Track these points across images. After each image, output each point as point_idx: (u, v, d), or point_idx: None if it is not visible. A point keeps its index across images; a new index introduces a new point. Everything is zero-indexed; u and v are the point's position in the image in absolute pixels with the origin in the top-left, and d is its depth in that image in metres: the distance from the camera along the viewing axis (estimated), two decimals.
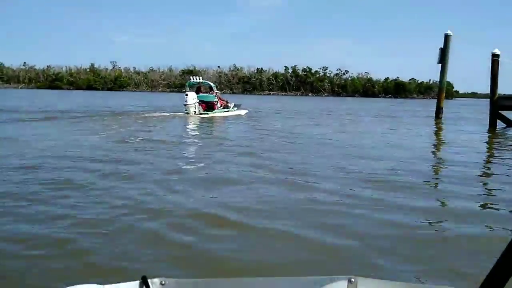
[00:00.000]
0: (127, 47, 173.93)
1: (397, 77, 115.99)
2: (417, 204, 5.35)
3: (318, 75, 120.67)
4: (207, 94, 22.23)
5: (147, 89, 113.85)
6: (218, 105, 22.32)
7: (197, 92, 21.84)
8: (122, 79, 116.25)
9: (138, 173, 6.96)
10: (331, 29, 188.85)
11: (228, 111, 22.59)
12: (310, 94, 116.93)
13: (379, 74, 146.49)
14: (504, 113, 17.94)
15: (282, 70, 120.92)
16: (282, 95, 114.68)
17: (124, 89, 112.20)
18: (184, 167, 7.83)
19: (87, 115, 19.58)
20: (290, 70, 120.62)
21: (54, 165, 7.35)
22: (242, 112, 23.09)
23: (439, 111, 22.60)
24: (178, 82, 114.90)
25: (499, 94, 18.03)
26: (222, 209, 4.96)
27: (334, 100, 72.35)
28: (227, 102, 23.01)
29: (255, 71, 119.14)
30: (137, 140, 11.45)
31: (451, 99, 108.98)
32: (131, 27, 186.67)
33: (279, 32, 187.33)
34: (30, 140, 10.68)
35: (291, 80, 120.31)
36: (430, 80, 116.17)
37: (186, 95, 21.13)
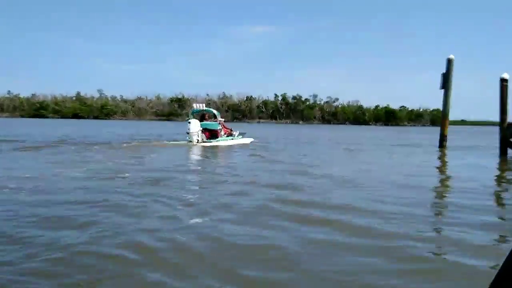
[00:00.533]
0: (113, 75, 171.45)
1: (387, 104, 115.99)
2: None
3: (308, 103, 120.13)
4: (211, 122, 20.41)
5: (134, 117, 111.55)
6: (222, 133, 20.49)
7: (201, 120, 20.45)
8: (108, 107, 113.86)
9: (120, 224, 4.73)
10: (319, 57, 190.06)
11: (232, 139, 20.56)
12: (300, 122, 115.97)
13: (369, 101, 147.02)
14: None
15: (272, 98, 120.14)
16: (272, 122, 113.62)
17: (111, 117, 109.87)
18: (180, 214, 5.60)
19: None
20: (280, 98, 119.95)
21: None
22: (247, 140, 21.17)
23: (443, 139, 20.64)
24: (166, 110, 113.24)
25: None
26: None
27: (331, 128, 70.78)
28: (231, 130, 21.03)
29: (245, 98, 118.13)
30: (127, 175, 9.10)
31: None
32: (118, 55, 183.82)
33: (269, 59, 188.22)
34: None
35: (281, 107, 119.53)
36: (420, 107, 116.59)
37: (189, 123, 19.58)
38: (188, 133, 19.36)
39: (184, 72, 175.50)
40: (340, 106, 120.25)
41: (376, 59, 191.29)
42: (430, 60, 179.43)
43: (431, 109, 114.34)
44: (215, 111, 21.00)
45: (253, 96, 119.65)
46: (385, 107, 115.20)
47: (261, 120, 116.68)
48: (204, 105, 21.31)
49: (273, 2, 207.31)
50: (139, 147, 17.62)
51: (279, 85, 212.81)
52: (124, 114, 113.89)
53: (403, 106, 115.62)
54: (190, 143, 19.06)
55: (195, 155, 15.56)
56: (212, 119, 20.57)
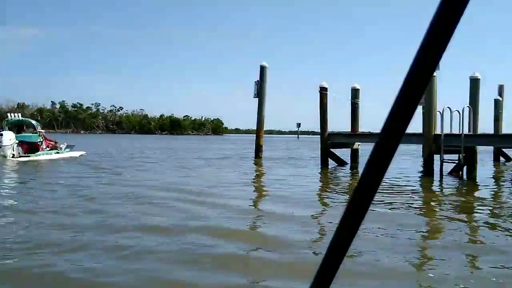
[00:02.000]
0: None
1: (172, 114, 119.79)
2: None
3: (90, 111, 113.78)
4: (29, 134, 18.05)
5: None
6: (44, 146, 18.30)
7: (18, 132, 17.72)
8: None
9: None
10: (96, 63, 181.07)
11: (58, 152, 18.56)
12: (82, 132, 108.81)
13: (154, 111, 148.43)
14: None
15: (48, 106, 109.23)
16: (50, 132, 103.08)
17: None
18: None
19: None
20: (58, 106, 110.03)
21: None
22: (77, 154, 19.26)
23: (259, 149, 19.11)
24: None
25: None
26: None
27: (123, 137, 68.41)
28: (55, 142, 18.90)
29: (16, 106, 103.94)
30: None
31: (222, 134, 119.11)
32: None
33: (42, 64, 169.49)
34: None
35: (59, 116, 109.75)
36: (202, 117, 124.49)
37: (1, 135, 16.71)
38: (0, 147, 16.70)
39: None
40: (124, 115, 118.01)
41: (159, 69, 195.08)
42: (208, 73, 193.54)
43: (212, 119, 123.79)
44: (34, 122, 18.67)
45: (25, 104, 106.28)
46: (170, 116, 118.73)
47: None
48: (20, 114, 18.73)
49: (44, 2, 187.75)
50: None
51: (56, 92, 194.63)
52: None
53: (186, 115, 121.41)
54: (5, 158, 16.38)
55: (6, 172, 13.00)
56: (31, 131, 18.28)
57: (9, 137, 16.92)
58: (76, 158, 18.19)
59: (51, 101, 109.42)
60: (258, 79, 19.17)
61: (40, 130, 18.24)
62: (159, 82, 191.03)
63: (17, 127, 18.21)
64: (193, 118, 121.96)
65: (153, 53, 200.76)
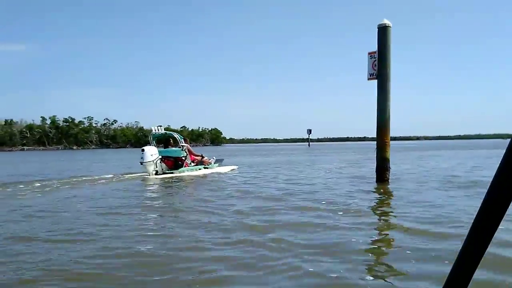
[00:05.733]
0: None
1: (168, 125, 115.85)
2: None
3: (83, 126, 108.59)
4: (173, 148, 15.47)
5: None
6: (189, 161, 15.56)
7: (165, 147, 15.66)
8: None
9: None
10: (91, 77, 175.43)
11: (206, 167, 15.74)
12: (75, 148, 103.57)
13: (149, 123, 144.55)
14: None
15: (38, 122, 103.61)
16: (40, 150, 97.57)
17: None
18: None
19: None
20: (48, 121, 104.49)
21: None
22: (226, 168, 16.35)
23: (384, 166, 10.40)
24: None
25: None
26: None
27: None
28: (202, 156, 16.01)
29: (3, 123, 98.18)
30: None
31: (220, 145, 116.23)
32: None
33: (30, 79, 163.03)
34: None
35: (50, 132, 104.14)
36: (199, 127, 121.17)
37: (143, 150, 14.52)
38: (142, 163, 14.34)
39: None
40: (119, 128, 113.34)
41: (153, 80, 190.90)
42: (196, 85, 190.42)
43: (210, 129, 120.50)
44: (176, 135, 15.92)
45: (14, 120, 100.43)
46: (166, 128, 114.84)
47: (26, 147, 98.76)
48: (163, 127, 16.03)
49: (31, 18, 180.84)
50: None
51: (46, 108, 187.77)
52: None
53: (183, 126, 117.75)
54: (148, 176, 14.09)
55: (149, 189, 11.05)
56: (178, 144, 15.54)
57: (151, 152, 14.59)
58: (226, 174, 15.31)
59: (41, 117, 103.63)
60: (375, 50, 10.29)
61: (184, 144, 15.43)
62: (153, 93, 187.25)
63: (164, 142, 15.80)
64: (190, 129, 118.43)
65: (145, 64, 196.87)
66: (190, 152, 15.84)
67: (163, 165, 14.90)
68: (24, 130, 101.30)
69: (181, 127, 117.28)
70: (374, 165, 10.70)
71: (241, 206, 7.32)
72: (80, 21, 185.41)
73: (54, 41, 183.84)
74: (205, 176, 14.40)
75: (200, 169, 15.52)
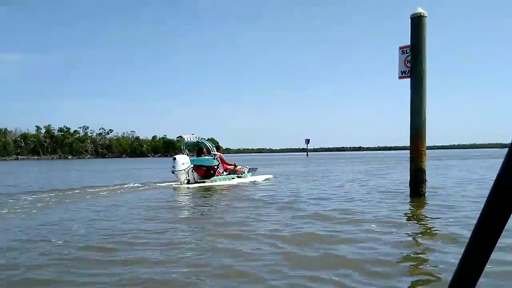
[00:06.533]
0: None
1: (165, 135, 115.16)
2: None
3: (78, 135, 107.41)
4: (205, 157, 14.91)
5: None
6: (221, 170, 14.98)
7: (198, 155, 15.04)
8: None
9: None
10: (85, 87, 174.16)
11: (240, 177, 15.14)
12: (70, 157, 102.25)
13: (145, 133, 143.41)
14: None
15: (33, 131, 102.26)
16: (35, 159, 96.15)
17: None
18: None
19: None
20: (43, 131, 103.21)
21: None
22: (261, 178, 15.71)
23: (420, 178, 8.98)
24: None
25: None
26: None
27: (126, 161, 63.77)
28: (235, 165, 15.40)
29: None
30: None
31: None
32: None
33: (26, 89, 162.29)
34: None
35: (45, 141, 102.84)
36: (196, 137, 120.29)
37: (174, 159, 13.97)
38: (173, 172, 13.85)
39: None
40: (114, 137, 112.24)
41: (146, 89, 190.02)
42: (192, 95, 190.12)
43: (206, 138, 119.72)
44: (209, 143, 15.40)
45: (8, 129, 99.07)
46: (163, 138, 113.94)
47: (20, 157, 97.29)
48: (195, 136, 15.50)
49: (26, 28, 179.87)
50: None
51: (41, 117, 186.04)
52: None
53: (180, 136, 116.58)
54: (180, 185, 13.64)
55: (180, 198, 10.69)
56: (211, 153, 14.97)
57: (183, 161, 14.05)
58: (260, 183, 14.70)
59: (36, 126, 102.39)
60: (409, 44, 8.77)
61: (216, 153, 14.87)
62: (148, 102, 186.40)
63: (197, 150, 15.25)
64: None
65: (141, 73, 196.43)
66: (223, 161, 15.25)
67: (195, 174, 14.34)
68: (19, 139, 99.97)
69: (178, 137, 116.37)
70: (396, 176, 9.94)
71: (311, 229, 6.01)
72: (76, 31, 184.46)
73: (50, 50, 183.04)
74: (241, 185, 13.80)
75: (233, 178, 14.92)
